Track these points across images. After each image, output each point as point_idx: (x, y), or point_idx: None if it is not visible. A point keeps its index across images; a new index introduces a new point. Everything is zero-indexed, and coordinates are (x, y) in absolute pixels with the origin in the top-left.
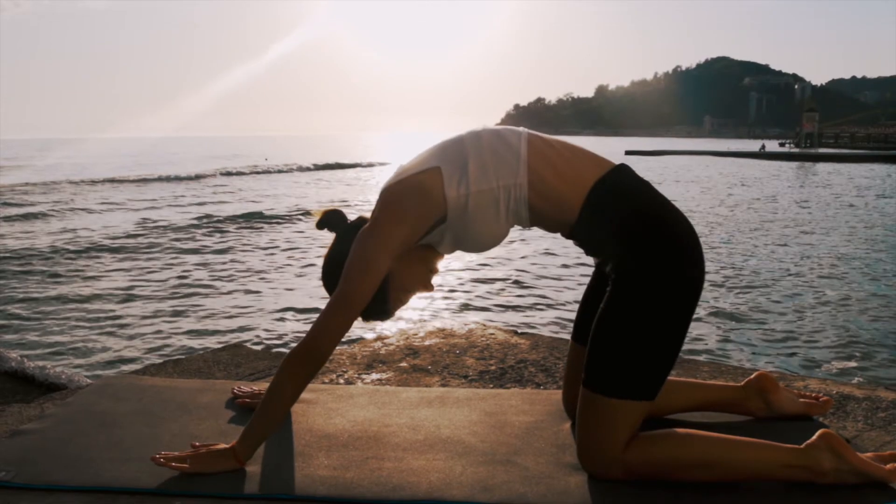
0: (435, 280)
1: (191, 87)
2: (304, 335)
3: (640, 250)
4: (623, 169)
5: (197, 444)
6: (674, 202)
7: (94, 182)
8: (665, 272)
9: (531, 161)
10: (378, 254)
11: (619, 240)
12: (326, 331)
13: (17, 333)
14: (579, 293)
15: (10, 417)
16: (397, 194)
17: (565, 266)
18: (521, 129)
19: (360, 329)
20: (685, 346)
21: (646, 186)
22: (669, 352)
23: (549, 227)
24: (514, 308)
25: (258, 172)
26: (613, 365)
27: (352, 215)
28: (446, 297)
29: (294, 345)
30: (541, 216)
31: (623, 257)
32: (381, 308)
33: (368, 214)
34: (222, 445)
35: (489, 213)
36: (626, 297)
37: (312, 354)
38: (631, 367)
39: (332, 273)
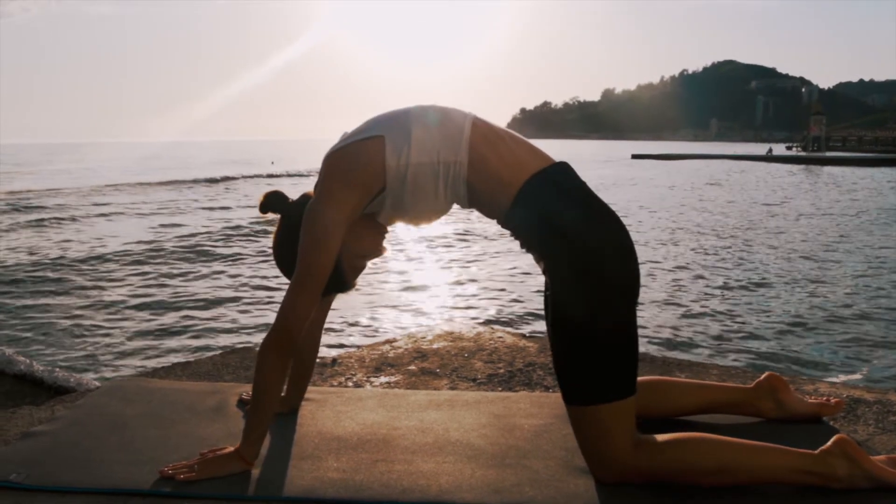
0: (386, 242)
1: (196, 92)
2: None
3: (567, 253)
4: (563, 167)
5: (205, 450)
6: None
7: (107, 187)
8: (591, 277)
9: (473, 141)
10: (331, 224)
11: (547, 238)
12: (295, 312)
13: (27, 338)
14: None
15: (21, 420)
16: (340, 161)
17: None
18: (468, 111)
19: (367, 331)
20: (695, 349)
21: (582, 187)
22: (625, 346)
23: (486, 212)
24: (523, 311)
25: (276, 176)
26: (578, 375)
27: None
28: (454, 301)
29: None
30: (477, 198)
31: (551, 259)
32: (338, 280)
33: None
34: (229, 449)
35: (428, 186)
36: (562, 305)
37: (286, 339)
38: (595, 373)
39: (285, 254)
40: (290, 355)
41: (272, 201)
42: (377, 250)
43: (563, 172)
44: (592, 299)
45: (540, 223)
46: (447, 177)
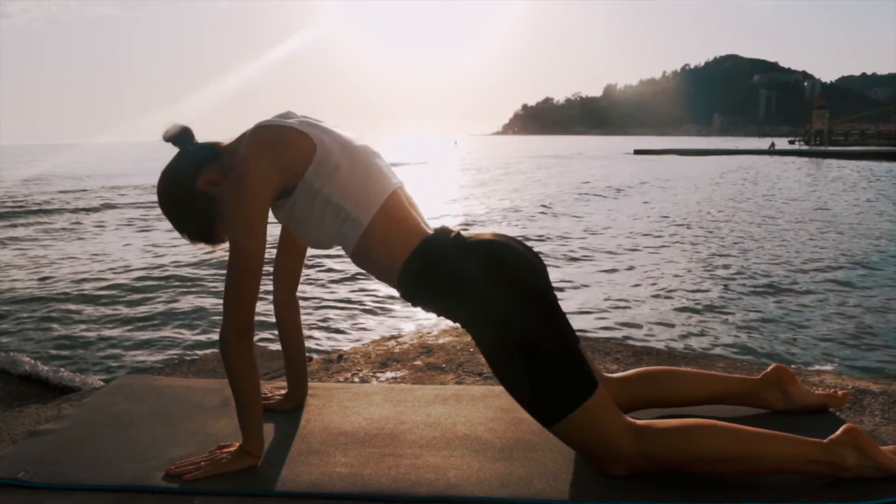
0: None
1: (196, 91)
2: (221, 315)
3: (461, 310)
4: (435, 239)
5: (213, 447)
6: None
7: (109, 189)
8: (494, 320)
9: (378, 216)
10: (257, 208)
11: (436, 307)
12: (240, 299)
13: (32, 340)
14: (590, 294)
15: (28, 418)
16: (272, 138)
17: (579, 269)
18: (395, 180)
19: (373, 327)
20: (701, 343)
21: (454, 248)
22: (561, 356)
23: (374, 275)
24: None
25: None
26: (536, 400)
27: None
28: None
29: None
30: (359, 261)
31: (449, 315)
32: (208, 233)
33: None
34: (237, 445)
35: (325, 219)
36: (484, 351)
37: (242, 328)
38: (550, 390)
39: (164, 186)
40: (250, 341)
41: (178, 135)
42: None
43: (433, 245)
44: (505, 341)
45: (422, 301)
46: (344, 225)
